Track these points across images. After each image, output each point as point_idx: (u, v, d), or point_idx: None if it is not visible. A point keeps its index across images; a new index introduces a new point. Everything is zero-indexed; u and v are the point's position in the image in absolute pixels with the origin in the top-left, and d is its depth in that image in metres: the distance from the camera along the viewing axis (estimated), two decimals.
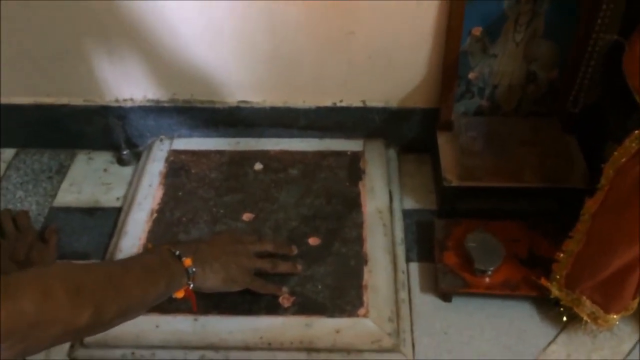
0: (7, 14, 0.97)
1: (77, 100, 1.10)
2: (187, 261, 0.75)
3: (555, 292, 0.85)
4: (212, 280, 0.80)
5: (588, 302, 0.82)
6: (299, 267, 0.91)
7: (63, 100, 1.09)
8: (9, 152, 1.17)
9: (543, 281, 0.86)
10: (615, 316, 0.82)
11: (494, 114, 1.05)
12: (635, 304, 0.83)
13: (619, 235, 0.74)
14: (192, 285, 0.76)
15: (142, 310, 0.68)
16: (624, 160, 0.71)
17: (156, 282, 0.69)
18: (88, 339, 0.83)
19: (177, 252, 0.75)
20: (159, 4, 0.95)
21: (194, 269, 0.76)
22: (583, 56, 0.92)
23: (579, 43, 0.92)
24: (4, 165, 1.14)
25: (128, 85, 1.07)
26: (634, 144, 0.69)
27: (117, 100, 1.10)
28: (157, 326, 0.85)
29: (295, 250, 0.93)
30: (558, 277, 0.84)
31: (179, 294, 0.75)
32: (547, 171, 0.97)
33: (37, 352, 0.56)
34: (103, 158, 1.16)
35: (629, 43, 0.80)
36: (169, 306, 0.84)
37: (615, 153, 0.71)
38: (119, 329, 0.68)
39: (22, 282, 0.53)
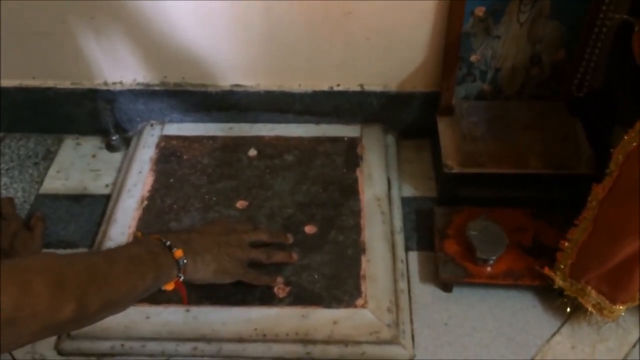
0: None
1: (64, 83, 1.06)
2: (178, 252, 0.72)
3: (559, 282, 0.82)
4: (204, 273, 0.76)
5: (593, 293, 0.80)
6: (295, 256, 0.88)
7: (49, 83, 1.06)
8: None
9: (547, 271, 0.83)
10: (621, 307, 0.80)
11: (497, 98, 1.01)
12: None
13: (627, 224, 0.71)
14: (182, 278, 0.73)
15: (130, 304, 0.65)
16: (635, 144, 0.67)
17: (144, 275, 0.65)
18: (76, 331, 0.80)
19: (168, 243, 0.71)
20: None
21: (184, 261, 0.72)
22: (590, 37, 0.89)
23: (586, 23, 0.89)
24: None
25: (117, 67, 1.04)
26: None
27: (105, 83, 1.06)
28: (147, 317, 0.82)
29: (290, 239, 0.90)
30: (562, 266, 0.81)
31: (169, 287, 0.72)
32: (552, 157, 0.93)
33: (15, 348, 0.53)
34: (91, 143, 1.12)
35: (638, 23, 0.77)
36: (159, 296, 0.81)
37: (626, 137, 0.68)
38: (108, 320, 0.65)
39: (4, 274, 0.49)
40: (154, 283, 0.67)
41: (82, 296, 0.55)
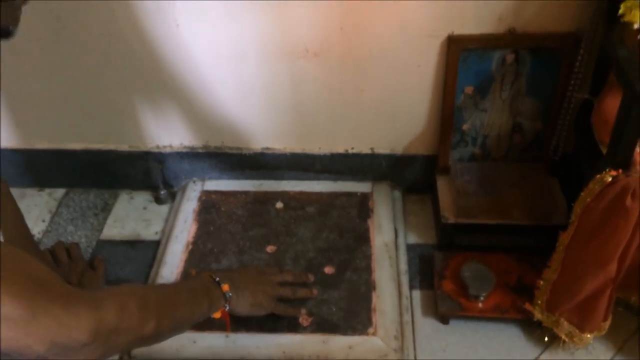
0: (64, 69, 1.14)
1: (123, 147, 1.26)
2: (225, 286, 0.89)
3: (537, 315, 0.98)
4: (243, 305, 0.93)
5: (565, 323, 0.95)
6: (316, 292, 1.04)
7: (111, 146, 1.26)
8: (60, 192, 1.33)
9: (527, 306, 0.99)
10: (589, 335, 0.95)
11: (486, 160, 1.20)
12: (606, 326, 0.96)
13: (587, 264, 0.87)
14: (227, 308, 0.90)
15: (189, 326, 0.82)
16: (588, 200, 0.85)
17: (200, 303, 0.83)
18: (135, 351, 0.97)
19: (217, 279, 0.89)
20: (198, 64, 1.11)
21: (230, 294, 0.89)
22: (560, 111, 1.07)
23: (556, 100, 1.08)
24: (55, 203, 1.30)
25: (168, 133, 1.24)
26: (596, 186, 0.83)
27: (157, 147, 1.26)
28: (194, 342, 0.98)
29: (312, 279, 1.07)
30: (540, 302, 0.97)
31: (217, 315, 0.89)
32: (533, 210, 1.11)
33: (112, 355, 0.69)
34: (143, 197, 1.31)
35: (597, 101, 0.95)
36: (204, 324, 0.97)
37: (582, 194, 0.86)
38: (162, 344, 0.81)
39: (104, 297, 0.66)
40: (207, 311, 0.84)
41: (160, 317, 0.72)
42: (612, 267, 0.86)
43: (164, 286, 0.97)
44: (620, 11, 0.83)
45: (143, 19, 1.05)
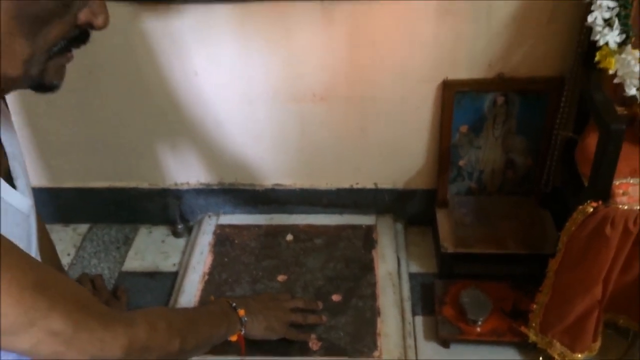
0: (91, 114, 1.24)
1: (143, 184, 1.36)
2: (241, 311, 0.97)
3: (532, 337, 1.05)
4: (258, 329, 1.01)
5: (558, 344, 1.02)
6: (324, 318, 1.12)
7: (132, 184, 1.35)
8: (83, 227, 1.42)
9: (522, 329, 1.06)
10: (580, 355, 1.02)
11: (481, 193, 1.28)
12: (597, 347, 1.02)
13: (574, 288, 0.95)
14: (243, 332, 0.97)
15: (209, 346, 0.89)
16: (573, 229, 0.93)
17: (219, 326, 0.91)
18: None
19: (234, 304, 0.97)
20: (214, 108, 1.22)
21: (245, 318, 0.97)
22: (548, 148, 1.16)
23: (545, 138, 1.17)
24: (80, 238, 1.39)
25: (185, 171, 1.33)
26: (579, 216, 0.91)
27: (175, 184, 1.35)
28: None
29: (320, 306, 1.15)
30: (534, 324, 1.04)
31: (233, 338, 0.96)
32: (526, 240, 1.19)
33: None
34: (161, 231, 1.40)
35: (580, 139, 1.04)
36: (220, 348, 1.04)
37: (567, 223, 0.94)
38: None
39: (136, 317, 0.74)
40: (225, 333, 0.92)
41: (184, 337, 0.80)
42: (598, 290, 0.94)
43: (187, 309, 1.04)
44: (597, 58, 0.92)
45: (165, 69, 1.16)
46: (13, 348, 0.58)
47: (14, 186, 0.69)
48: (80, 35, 0.60)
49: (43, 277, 0.59)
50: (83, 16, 0.58)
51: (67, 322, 0.60)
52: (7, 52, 0.53)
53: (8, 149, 0.71)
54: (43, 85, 0.61)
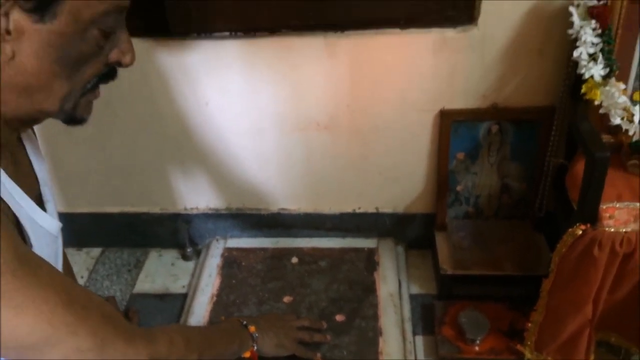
0: (106, 143, 1.31)
1: (155, 209, 1.41)
2: (252, 328, 1.02)
3: (528, 355, 1.10)
4: (268, 345, 1.05)
5: None
6: (329, 338, 1.16)
7: (144, 208, 1.41)
8: (96, 251, 1.47)
9: (519, 347, 1.11)
10: None
11: (478, 217, 1.34)
12: None
13: (566, 307, 1.00)
14: (255, 348, 1.02)
15: None
16: (564, 250, 0.98)
17: (232, 341, 0.95)
18: None
19: (245, 322, 1.02)
20: (223, 136, 1.28)
21: (256, 335, 1.02)
22: (541, 174, 1.22)
23: (537, 164, 1.23)
24: (93, 261, 1.44)
25: (195, 196, 1.39)
26: (569, 239, 0.97)
27: (185, 209, 1.41)
28: None
29: (325, 325, 1.19)
30: (529, 342, 1.09)
31: (247, 354, 1.01)
32: (522, 262, 1.24)
33: None
34: (171, 255, 1.46)
35: (570, 165, 1.10)
36: None
37: (558, 245, 0.99)
38: None
39: (157, 333, 0.78)
40: (238, 349, 0.97)
41: (201, 351, 0.84)
42: (588, 309, 0.99)
43: (203, 327, 1.10)
44: (583, 90, 0.98)
45: (178, 99, 1.23)
46: None
47: (44, 209, 0.75)
48: (109, 72, 0.67)
49: (72, 295, 0.64)
50: (113, 56, 0.65)
51: (93, 339, 0.64)
52: (47, 91, 0.60)
53: (39, 174, 0.78)
54: (74, 118, 0.67)
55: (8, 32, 0.55)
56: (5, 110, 0.61)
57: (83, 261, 1.44)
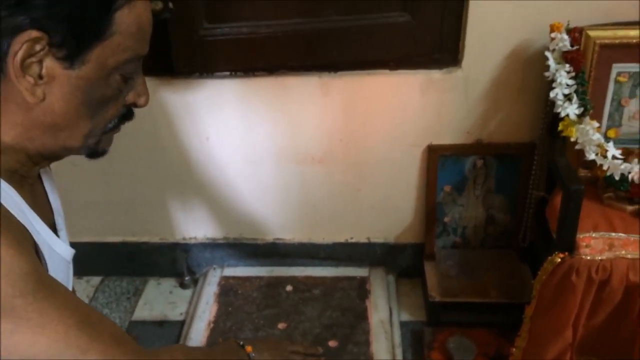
0: (109, 175, 1.37)
1: (154, 238, 1.47)
2: (249, 348, 1.06)
3: None
4: None
5: None
6: None
7: (144, 238, 1.46)
8: (96, 279, 1.52)
9: None
10: None
11: (465, 247, 1.40)
12: None
13: (547, 331, 1.06)
14: None
15: None
16: (544, 277, 1.04)
17: None
18: None
19: (241, 343, 1.07)
20: (222, 169, 1.35)
21: (253, 355, 1.07)
22: (524, 206, 1.29)
23: (521, 197, 1.30)
24: (93, 289, 1.49)
25: (193, 227, 1.45)
26: (549, 266, 1.03)
27: (184, 238, 1.47)
28: None
29: (321, 350, 1.23)
30: None
31: None
32: (507, 290, 1.30)
33: None
34: (169, 283, 1.50)
35: (550, 198, 1.17)
36: None
37: (539, 273, 1.05)
38: None
39: (161, 352, 0.83)
40: None
41: None
42: (568, 334, 1.04)
43: (203, 347, 1.15)
44: (560, 128, 1.06)
45: (180, 134, 1.29)
46: None
47: (58, 237, 0.80)
48: (127, 113, 0.73)
49: (85, 316, 0.68)
50: (130, 97, 0.71)
51: (103, 358, 0.69)
52: (71, 129, 0.66)
53: (54, 205, 0.83)
54: (96, 152, 0.73)
55: (41, 77, 0.61)
56: (30, 146, 0.67)
57: (83, 289, 1.48)
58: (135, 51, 0.66)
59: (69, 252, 0.80)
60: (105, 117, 0.68)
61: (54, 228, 0.82)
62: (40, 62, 0.60)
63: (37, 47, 0.59)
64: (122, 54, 0.64)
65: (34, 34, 0.58)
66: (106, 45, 0.62)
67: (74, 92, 0.63)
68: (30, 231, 0.69)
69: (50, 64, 0.61)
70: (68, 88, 0.63)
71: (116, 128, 0.72)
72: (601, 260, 0.99)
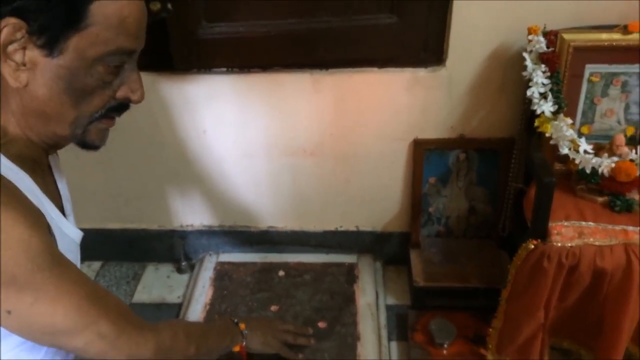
0: (110, 164, 1.43)
1: (153, 226, 1.53)
2: (242, 325, 1.14)
3: (490, 357, 1.23)
4: (256, 342, 1.17)
5: None
6: (312, 341, 1.28)
7: (143, 225, 1.53)
8: (96, 264, 1.59)
9: (482, 351, 1.24)
10: None
11: (449, 236, 1.48)
12: None
13: (521, 313, 1.14)
14: (244, 343, 1.14)
15: (218, 353, 1.05)
16: (519, 263, 1.12)
17: (225, 336, 1.08)
18: None
19: (235, 320, 1.14)
20: (218, 160, 1.42)
21: (246, 331, 1.14)
22: (504, 197, 1.37)
23: (500, 189, 1.38)
24: (93, 274, 1.55)
25: (190, 215, 1.52)
26: (523, 252, 1.11)
27: (181, 226, 1.53)
28: None
29: (311, 331, 1.31)
30: (491, 346, 1.22)
31: (236, 348, 1.13)
32: (486, 276, 1.38)
33: None
34: (166, 268, 1.57)
35: (527, 190, 1.24)
36: (225, 358, 1.19)
37: (514, 258, 1.13)
38: None
39: (162, 326, 0.89)
40: (230, 343, 1.09)
41: (198, 344, 0.95)
42: (540, 315, 1.12)
43: (200, 323, 1.23)
44: (536, 124, 1.13)
45: (178, 127, 1.36)
46: (69, 346, 0.73)
47: None
48: (117, 106, 0.76)
49: (94, 290, 0.75)
50: (122, 92, 0.74)
51: (112, 327, 0.75)
52: (58, 116, 0.70)
53: (62, 191, 0.89)
54: (86, 143, 0.77)
55: (24, 63, 0.66)
56: (31, 134, 0.72)
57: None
58: (118, 45, 0.68)
59: (77, 235, 0.86)
60: (90, 106, 0.71)
61: (62, 213, 0.88)
62: (23, 48, 0.65)
63: (18, 35, 0.64)
64: (101, 46, 0.67)
65: (12, 20, 0.63)
66: (83, 36, 0.65)
67: (55, 80, 0.67)
68: (43, 213, 0.75)
69: (31, 52, 0.65)
70: (49, 75, 0.67)
71: (105, 119, 0.75)
72: (571, 246, 1.07)
